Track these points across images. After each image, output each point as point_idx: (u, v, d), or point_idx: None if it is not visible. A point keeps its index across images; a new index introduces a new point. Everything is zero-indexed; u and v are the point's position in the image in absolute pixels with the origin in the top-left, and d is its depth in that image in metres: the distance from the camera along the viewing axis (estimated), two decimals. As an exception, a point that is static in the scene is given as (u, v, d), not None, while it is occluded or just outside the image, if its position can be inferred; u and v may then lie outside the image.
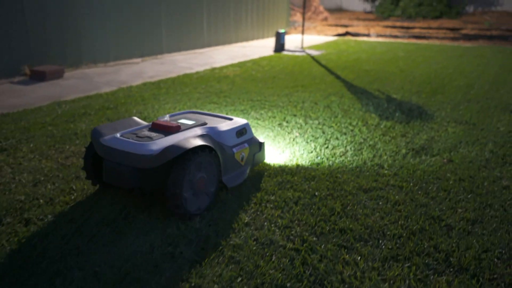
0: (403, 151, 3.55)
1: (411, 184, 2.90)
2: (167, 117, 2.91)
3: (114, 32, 7.96)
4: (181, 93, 5.65)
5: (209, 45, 10.63)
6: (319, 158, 3.35)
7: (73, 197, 2.66)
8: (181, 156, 2.36)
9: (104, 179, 2.54)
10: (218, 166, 2.60)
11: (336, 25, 17.15)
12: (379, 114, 4.61)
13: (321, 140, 3.76)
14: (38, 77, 6.34)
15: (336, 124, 4.22)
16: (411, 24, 16.68)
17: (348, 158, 3.35)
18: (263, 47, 11.06)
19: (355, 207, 2.57)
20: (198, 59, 8.82)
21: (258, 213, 2.50)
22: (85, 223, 2.36)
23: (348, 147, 3.60)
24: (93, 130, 2.55)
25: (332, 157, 3.37)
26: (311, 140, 3.75)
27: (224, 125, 2.82)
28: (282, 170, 3.11)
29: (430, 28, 15.59)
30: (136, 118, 2.84)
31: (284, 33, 10.32)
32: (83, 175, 2.98)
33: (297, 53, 9.88)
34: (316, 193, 2.74)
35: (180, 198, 2.33)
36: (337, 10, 23.39)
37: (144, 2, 8.48)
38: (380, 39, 13.38)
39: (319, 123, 4.25)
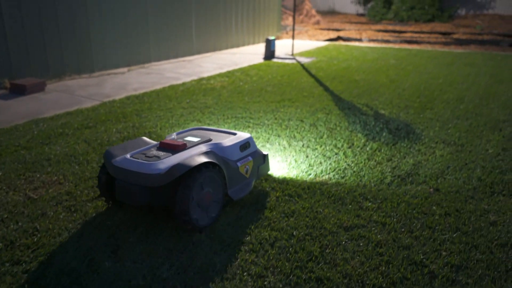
0: (388, 178, 3.42)
1: (395, 220, 2.77)
2: (174, 135, 3.00)
3: (98, 41, 7.78)
4: (164, 108, 5.49)
5: (198, 52, 10.47)
6: (300, 188, 3.21)
7: (35, 239, 2.50)
8: (187, 174, 2.50)
9: (116, 198, 2.70)
10: (223, 180, 2.74)
11: (328, 29, 17.04)
12: (366, 133, 4.48)
13: (303, 167, 3.62)
14: (18, 90, 6.16)
15: (320, 146, 4.09)
16: (403, 28, 16.60)
17: (331, 189, 3.21)
18: (253, 54, 10.91)
19: (335, 249, 2.44)
20: (186, 68, 8.66)
21: (232, 258, 2.36)
22: (43, 274, 2.20)
23: (331, 174, 3.46)
24: (106, 152, 2.72)
25: (314, 187, 3.24)
26: (293, 167, 3.61)
27: (227, 141, 2.94)
28: (261, 204, 2.96)
29: (422, 32, 15.51)
30: (145, 138, 2.99)
31: (274, 40, 10.18)
32: (50, 211, 2.82)
33: (287, 61, 9.74)
34: (294, 233, 2.60)
35: (188, 214, 2.47)
36: (330, 13, 23.28)
37: (130, 9, 8.29)
38: (372, 44, 13.28)
39: (303, 145, 4.11)
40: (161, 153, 2.68)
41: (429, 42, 13.56)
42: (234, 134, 3.11)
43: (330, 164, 3.68)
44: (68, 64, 7.32)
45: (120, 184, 2.62)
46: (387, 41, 13.93)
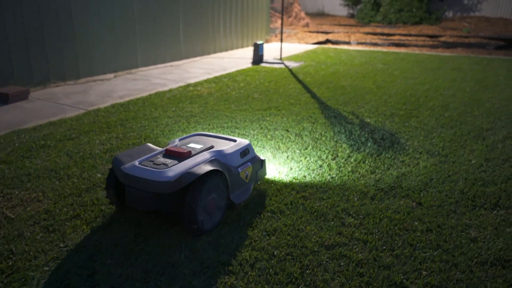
0: (372, 192, 3.42)
1: (376, 237, 2.77)
2: (176, 141, 3.19)
3: (84, 47, 7.68)
4: (149, 117, 5.44)
5: (186, 56, 10.41)
6: (282, 204, 3.19)
7: (10, 263, 2.45)
8: (195, 182, 2.66)
9: (126, 203, 2.82)
10: (226, 185, 2.91)
11: (317, 32, 17.07)
12: (351, 144, 4.48)
13: (287, 180, 3.60)
14: (0, 99, 6.05)
15: (305, 158, 4.08)
16: (391, 31, 16.69)
17: (314, 204, 3.20)
18: (242, 58, 10.88)
19: (315, 270, 2.42)
20: (173, 73, 8.59)
21: (211, 280, 2.33)
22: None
23: (315, 189, 3.45)
24: (114, 159, 2.84)
25: (297, 202, 3.22)
26: (277, 181, 3.59)
27: (229, 148, 3.09)
28: (243, 221, 2.94)
29: (410, 35, 15.62)
30: (150, 145, 3.13)
31: (262, 44, 10.16)
32: (27, 231, 2.77)
33: (275, 65, 9.73)
34: (275, 252, 2.58)
35: (195, 219, 2.63)
36: (319, 15, 23.33)
37: (116, 14, 8.21)
38: (360, 48, 13.33)
39: (287, 157, 4.10)
40: (168, 161, 2.81)
41: (416, 45, 13.66)
42: (235, 140, 3.26)
43: (314, 177, 3.67)
44: (52, 71, 7.22)
45: (129, 190, 2.74)
46: (376, 44, 14.00)
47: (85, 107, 5.91)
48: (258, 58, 10.08)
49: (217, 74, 8.52)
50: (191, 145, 3.10)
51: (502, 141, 4.62)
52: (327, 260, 2.53)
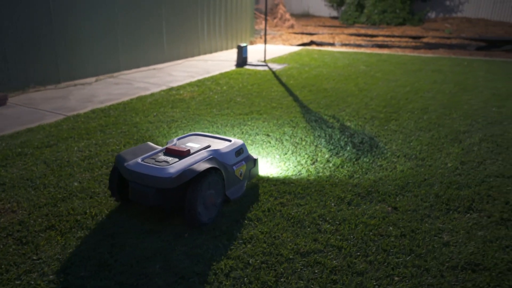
0: (349, 197, 3.45)
1: (351, 243, 2.80)
2: (175, 141, 3.38)
3: (64, 51, 7.59)
4: (130, 123, 5.40)
5: (170, 59, 10.36)
6: (260, 211, 3.20)
7: (-19, 278, 2.41)
8: (195, 178, 2.85)
9: (130, 198, 2.99)
10: (222, 182, 3.10)
11: (302, 33, 17.14)
12: (330, 148, 4.52)
13: (266, 186, 3.61)
14: (-23, 105, 5.95)
15: (284, 163, 4.10)
16: (375, 32, 16.85)
17: (291, 210, 3.22)
18: (226, 60, 10.87)
19: (289, 278, 2.44)
20: (156, 77, 8.55)
21: (185, 291, 2.33)
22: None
23: (293, 195, 3.47)
24: (118, 156, 3.05)
25: (275, 209, 3.24)
26: (254, 187, 3.60)
27: (225, 147, 3.28)
28: (220, 230, 2.94)
29: (393, 36, 15.79)
30: (150, 143, 3.32)
31: (246, 47, 10.16)
32: (0, 244, 2.73)
33: (259, 68, 9.74)
34: (251, 261, 2.59)
35: (196, 213, 2.83)
36: (304, 16, 23.44)
37: (97, 17, 8.13)
38: (344, 49, 13.43)
39: (266, 163, 4.11)
40: (169, 158, 2.99)
41: (399, 46, 13.82)
42: (230, 140, 3.45)
43: (292, 183, 3.69)
44: (32, 75, 7.12)
45: (133, 186, 2.91)
46: (359, 45, 14.12)
47: (64, 113, 5.84)
48: (242, 60, 10.08)
49: (200, 77, 8.50)
50: (189, 144, 3.30)
51: (478, 143, 4.71)
52: (302, 267, 2.55)
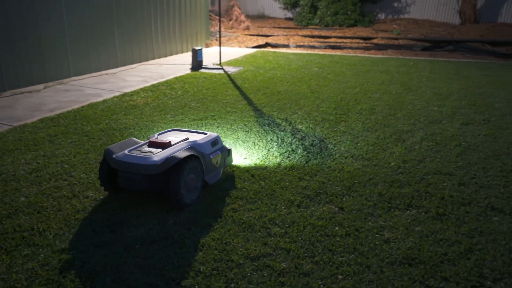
0: (299, 199, 3.59)
1: (299, 245, 2.93)
2: (156, 135, 3.78)
3: (8, 57, 7.28)
4: (80, 132, 5.29)
5: (123, 64, 10.17)
6: (212, 217, 3.27)
7: None
8: (177, 164, 3.27)
9: (121, 185, 3.38)
10: (201, 169, 3.55)
11: (258, 35, 17.32)
12: (281, 152, 4.65)
13: (219, 192, 3.68)
14: None
15: (237, 170, 4.18)
16: (328, 33, 17.32)
17: (243, 216, 3.31)
18: (181, 64, 10.82)
19: (239, 283, 2.53)
20: (108, 82, 8.37)
21: (136, 303, 2.36)
22: None
23: (244, 200, 3.56)
24: (106, 150, 3.38)
25: (226, 215, 3.32)
26: (207, 193, 3.67)
27: (201, 139, 3.73)
28: (171, 238, 2.98)
29: (345, 37, 16.31)
30: (134, 139, 3.69)
31: (201, 50, 10.17)
32: None
33: (214, 71, 9.78)
34: (202, 269, 2.65)
35: (179, 195, 3.24)
36: (260, 17, 23.67)
37: (42, 19, 7.85)
38: (298, 51, 13.73)
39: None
40: (153, 150, 3.41)
41: (351, 47, 14.31)
42: (205, 133, 3.89)
43: (244, 188, 3.78)
44: (-27, 84, 6.77)
45: (122, 175, 3.29)
46: (313, 47, 14.48)
47: (10, 123, 5.62)
48: (197, 64, 10.08)
49: (154, 82, 8.42)
50: (169, 138, 3.71)
51: (419, 142, 5.01)
52: (252, 272, 2.64)
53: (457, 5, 19.74)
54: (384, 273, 2.65)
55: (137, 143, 3.59)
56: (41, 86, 7.91)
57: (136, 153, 3.35)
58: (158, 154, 3.29)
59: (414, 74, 9.45)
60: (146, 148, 3.44)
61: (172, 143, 3.53)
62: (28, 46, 7.62)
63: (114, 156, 3.33)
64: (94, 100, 6.95)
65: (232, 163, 4.25)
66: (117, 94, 7.41)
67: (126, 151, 3.37)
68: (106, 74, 9.27)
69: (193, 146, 3.54)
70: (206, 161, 3.61)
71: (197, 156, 3.46)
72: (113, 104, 6.67)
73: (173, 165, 3.24)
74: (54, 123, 5.65)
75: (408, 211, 3.42)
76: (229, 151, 4.04)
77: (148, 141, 3.57)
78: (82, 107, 6.50)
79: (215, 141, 3.84)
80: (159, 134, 3.85)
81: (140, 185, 3.26)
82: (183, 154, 3.29)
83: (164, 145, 3.44)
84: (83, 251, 2.82)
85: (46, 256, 2.77)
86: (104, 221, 3.19)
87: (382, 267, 2.70)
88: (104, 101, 6.89)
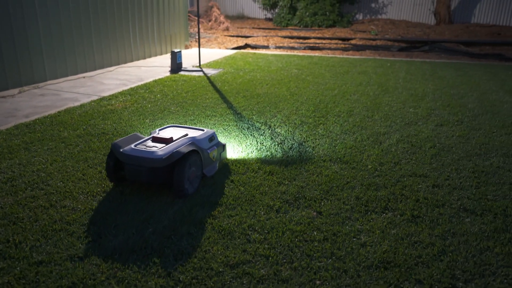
0: (278, 204, 3.63)
1: (278, 251, 2.97)
2: (157, 131, 4.12)
3: (-20, 63, 7.08)
4: (57, 138, 5.21)
5: (101, 66, 10.03)
6: (191, 225, 3.28)
7: None
8: (181, 158, 3.60)
9: (127, 177, 3.70)
10: (201, 162, 3.89)
11: (237, 36, 17.32)
12: (261, 156, 4.69)
13: (198, 199, 3.69)
14: None
15: (216, 175, 4.20)
16: (307, 34, 17.47)
17: (222, 222, 3.33)
18: (160, 66, 10.73)
19: (219, 291, 2.55)
20: (86, 86, 8.25)
21: (115, 315, 2.35)
22: None
23: (224, 206, 3.58)
24: (114, 144, 3.70)
25: (206, 222, 3.33)
26: (187, 199, 3.67)
27: (200, 135, 4.09)
28: (151, 248, 2.98)
29: (324, 38, 16.48)
30: (138, 134, 4.04)
31: (180, 52, 10.11)
32: None
33: (194, 73, 9.75)
34: (181, 278, 2.66)
35: (183, 188, 3.58)
36: (240, 18, 23.66)
37: (16, 20, 7.67)
38: (278, 52, 13.80)
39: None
40: (157, 144, 3.73)
41: (330, 48, 14.46)
42: (203, 130, 4.24)
43: (223, 194, 3.80)
44: None
45: (129, 167, 3.60)
46: (292, 48, 14.58)
47: (-17, 130, 5.48)
48: (176, 66, 10.02)
49: (133, 85, 8.34)
50: (170, 133, 4.03)
51: (395, 144, 5.13)
52: (231, 279, 2.66)
53: (432, 5, 20.19)
54: (361, 277, 2.71)
55: (140, 138, 3.94)
56: (15, 90, 7.73)
57: (142, 147, 3.66)
58: (163, 149, 3.60)
59: (391, 75, 9.63)
60: (150, 143, 3.76)
61: (174, 138, 3.84)
62: (1, 49, 7.43)
63: (121, 150, 3.62)
64: (71, 104, 6.84)
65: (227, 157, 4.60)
66: (94, 98, 7.31)
67: (132, 146, 3.69)
68: (84, 77, 9.13)
69: (193, 141, 3.86)
70: (204, 156, 3.94)
71: (197, 151, 3.78)
72: (91, 109, 6.58)
73: (177, 159, 3.56)
74: (30, 130, 5.54)
75: (384, 214, 3.50)
76: (224, 146, 4.38)
77: (151, 136, 3.90)
78: (59, 112, 6.39)
79: (212, 137, 4.18)
80: (160, 130, 4.18)
81: (145, 177, 3.57)
82: (185, 149, 3.62)
83: (167, 141, 3.76)
84: (60, 264, 2.79)
85: (23, 269, 2.73)
86: (82, 231, 3.17)
87: (359, 271, 2.77)
88: (82, 105, 6.79)
